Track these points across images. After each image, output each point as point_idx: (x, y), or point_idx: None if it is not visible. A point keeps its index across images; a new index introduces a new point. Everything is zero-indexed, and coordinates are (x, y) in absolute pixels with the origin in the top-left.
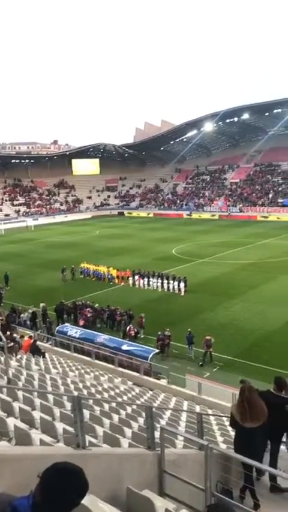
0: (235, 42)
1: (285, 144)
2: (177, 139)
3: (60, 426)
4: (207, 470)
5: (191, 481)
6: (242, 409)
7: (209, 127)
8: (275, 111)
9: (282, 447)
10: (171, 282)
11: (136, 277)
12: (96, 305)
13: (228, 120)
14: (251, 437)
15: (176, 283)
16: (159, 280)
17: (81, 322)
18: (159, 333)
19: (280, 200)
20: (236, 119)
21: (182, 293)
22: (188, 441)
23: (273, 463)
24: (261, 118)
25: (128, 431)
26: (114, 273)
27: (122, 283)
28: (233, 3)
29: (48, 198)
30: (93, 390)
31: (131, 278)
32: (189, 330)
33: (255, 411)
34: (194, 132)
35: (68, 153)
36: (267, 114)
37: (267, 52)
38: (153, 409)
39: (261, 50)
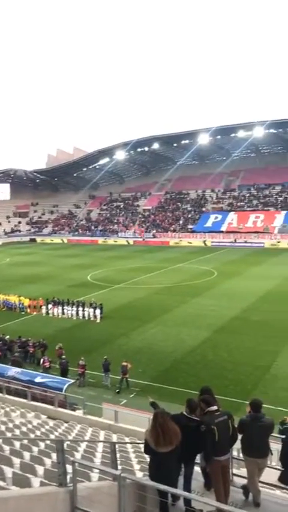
0: (147, 74)
1: (193, 174)
2: (90, 166)
3: None
4: (120, 501)
5: None
6: (156, 434)
7: (121, 155)
8: (183, 142)
9: (197, 468)
10: (86, 309)
11: (50, 305)
12: (7, 337)
13: (139, 149)
14: (166, 462)
15: (91, 310)
16: (74, 308)
17: None
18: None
19: (190, 226)
20: (146, 149)
21: (98, 320)
22: (104, 473)
23: (187, 486)
24: (170, 148)
25: (40, 469)
26: (26, 302)
27: (35, 313)
28: (149, 35)
29: None
30: (3, 428)
31: (44, 307)
32: (105, 357)
33: (168, 435)
34: (106, 159)
35: None
36: (175, 145)
37: (176, 86)
38: (66, 443)
39: (171, 84)
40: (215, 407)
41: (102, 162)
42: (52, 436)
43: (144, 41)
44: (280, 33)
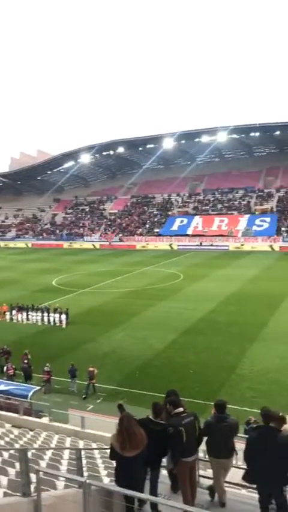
0: (112, 78)
1: (158, 178)
2: (55, 170)
3: None
4: (85, 509)
5: None
6: (122, 438)
7: (86, 158)
8: (148, 146)
9: (164, 471)
10: (51, 314)
11: (14, 311)
12: None
13: (104, 153)
14: (132, 467)
15: (57, 315)
16: (39, 314)
17: None
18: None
19: (156, 230)
20: (111, 152)
21: (64, 325)
22: (70, 481)
23: (153, 490)
24: (136, 152)
25: (3, 479)
26: None
27: None
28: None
29: None
30: None
31: (8, 313)
32: (71, 363)
33: (134, 439)
34: (71, 163)
35: None
36: (140, 149)
37: (142, 90)
38: (31, 451)
39: (137, 88)
40: (181, 409)
41: (67, 165)
42: (17, 445)
43: (109, 44)
44: (242, 40)
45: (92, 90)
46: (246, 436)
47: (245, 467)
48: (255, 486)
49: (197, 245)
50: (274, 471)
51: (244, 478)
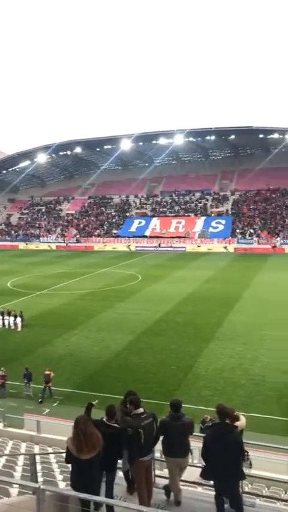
0: (71, 78)
1: (116, 179)
2: (10, 169)
3: None
4: None
5: None
6: (78, 441)
7: (42, 158)
8: (105, 147)
9: (120, 473)
10: (6, 317)
11: None
12: None
13: (61, 153)
14: (89, 469)
15: (11, 318)
16: None
17: None
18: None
19: (115, 231)
20: (69, 152)
21: (19, 328)
22: (25, 487)
23: (109, 493)
24: (93, 153)
25: None
26: None
27: None
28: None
29: None
30: None
31: None
32: (26, 366)
33: (91, 441)
34: (27, 162)
35: None
36: (98, 149)
37: (100, 91)
38: None
39: (96, 88)
40: (141, 410)
41: (22, 164)
42: None
43: (66, 43)
44: (201, 46)
45: (50, 89)
46: (203, 435)
47: (200, 465)
48: (211, 483)
49: (155, 247)
50: (229, 466)
51: (201, 475)
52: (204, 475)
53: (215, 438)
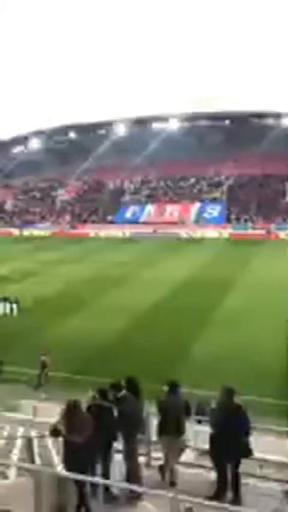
0: (54, 64)
1: (111, 164)
2: (3, 154)
3: None
4: (37, 497)
5: (25, 511)
6: (68, 424)
7: (36, 143)
8: (100, 132)
9: (119, 456)
10: (1, 303)
11: None
12: None
13: (55, 138)
14: (80, 451)
15: (7, 304)
16: None
17: None
18: None
19: (110, 217)
20: (63, 137)
21: (15, 314)
22: (23, 470)
23: (105, 473)
24: (88, 138)
25: None
26: None
27: None
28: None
29: None
30: None
31: None
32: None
33: (81, 424)
34: (21, 147)
35: None
36: (93, 134)
37: (97, 72)
38: None
39: (91, 70)
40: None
41: (15, 150)
42: None
43: (34, 32)
44: (129, 34)
45: (46, 74)
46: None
47: (194, 447)
48: (208, 465)
49: (150, 233)
50: (236, 444)
51: (210, 454)
52: (213, 454)
53: (223, 417)
